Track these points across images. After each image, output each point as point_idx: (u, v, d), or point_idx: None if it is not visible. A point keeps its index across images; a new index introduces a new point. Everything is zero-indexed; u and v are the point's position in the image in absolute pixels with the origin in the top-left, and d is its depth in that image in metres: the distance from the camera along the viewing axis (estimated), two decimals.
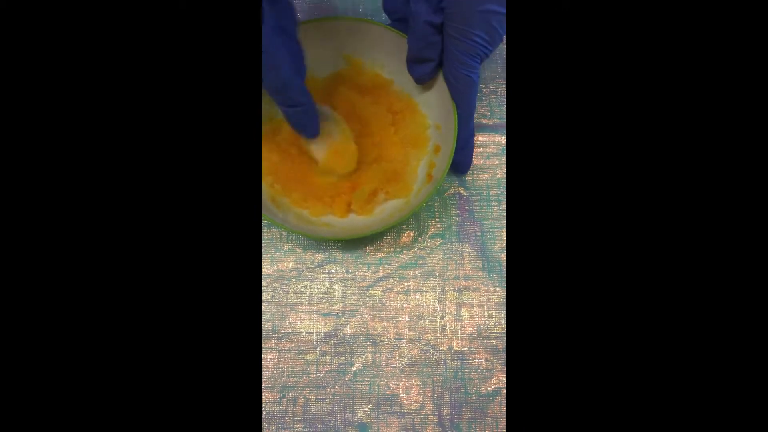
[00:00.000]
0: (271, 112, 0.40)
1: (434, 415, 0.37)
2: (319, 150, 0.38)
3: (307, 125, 0.36)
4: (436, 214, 0.40)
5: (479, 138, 0.42)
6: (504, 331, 0.38)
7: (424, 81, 0.39)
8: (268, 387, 0.37)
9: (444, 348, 0.38)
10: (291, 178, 0.40)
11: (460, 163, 0.39)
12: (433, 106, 0.40)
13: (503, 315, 0.38)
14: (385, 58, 0.41)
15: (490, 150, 0.42)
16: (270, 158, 0.40)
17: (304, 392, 0.37)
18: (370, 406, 0.37)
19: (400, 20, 0.40)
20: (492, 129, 0.43)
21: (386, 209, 0.39)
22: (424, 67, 0.37)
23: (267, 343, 0.38)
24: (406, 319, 0.38)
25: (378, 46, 0.41)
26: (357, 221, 0.39)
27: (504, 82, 0.44)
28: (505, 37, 0.36)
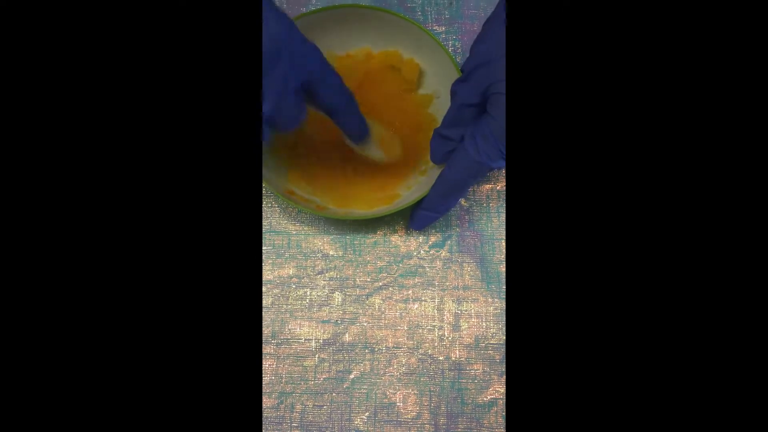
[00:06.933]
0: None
1: (431, 424, 0.37)
2: (373, 150, 0.39)
3: (360, 127, 0.36)
4: (437, 224, 0.41)
5: None
6: (502, 341, 0.38)
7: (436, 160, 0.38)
8: (266, 393, 0.37)
9: (441, 358, 0.38)
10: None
11: (413, 217, 0.39)
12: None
13: (501, 326, 0.39)
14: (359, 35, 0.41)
15: None
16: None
17: (302, 399, 0.37)
18: (367, 413, 0.37)
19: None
20: None
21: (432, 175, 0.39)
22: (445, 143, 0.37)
23: (266, 349, 0.38)
24: (405, 328, 0.39)
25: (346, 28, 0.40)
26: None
27: None
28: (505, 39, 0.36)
